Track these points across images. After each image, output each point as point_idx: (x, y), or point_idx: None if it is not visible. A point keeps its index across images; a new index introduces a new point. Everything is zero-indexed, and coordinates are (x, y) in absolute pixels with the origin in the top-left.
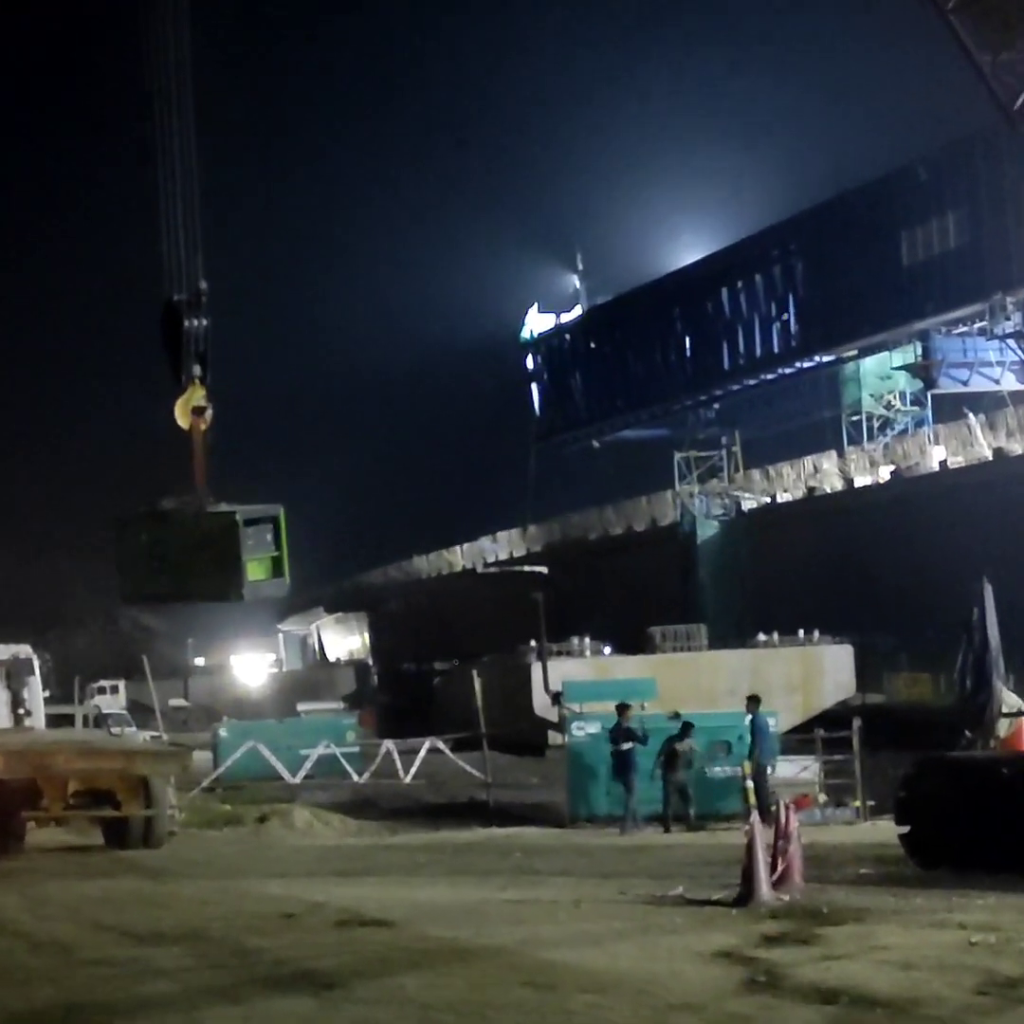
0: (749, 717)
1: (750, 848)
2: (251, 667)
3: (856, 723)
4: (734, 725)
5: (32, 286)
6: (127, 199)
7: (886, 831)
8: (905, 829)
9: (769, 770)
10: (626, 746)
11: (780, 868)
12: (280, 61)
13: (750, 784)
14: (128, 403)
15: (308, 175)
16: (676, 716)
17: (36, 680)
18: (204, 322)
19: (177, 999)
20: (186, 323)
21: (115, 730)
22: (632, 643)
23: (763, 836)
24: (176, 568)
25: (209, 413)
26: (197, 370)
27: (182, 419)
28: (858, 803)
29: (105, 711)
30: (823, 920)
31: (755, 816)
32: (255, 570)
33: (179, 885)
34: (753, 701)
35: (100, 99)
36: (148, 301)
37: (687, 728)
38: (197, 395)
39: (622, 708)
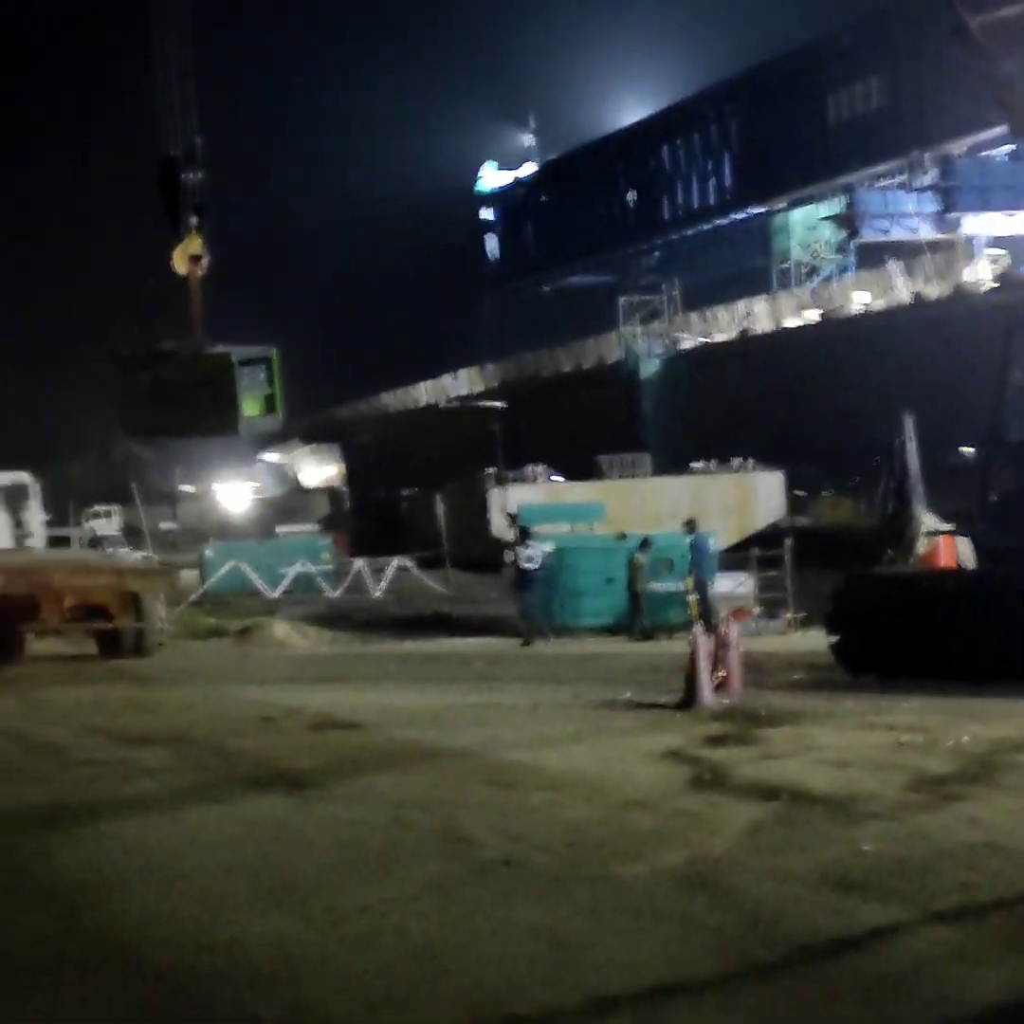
0: (689, 537)
1: (693, 656)
2: (234, 493)
3: (787, 542)
4: (676, 544)
5: (36, 140)
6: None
7: (816, 640)
8: (835, 639)
9: (710, 585)
10: (527, 566)
11: (720, 674)
12: None
13: (692, 598)
14: (129, 250)
15: (281, 38)
16: (622, 536)
17: (35, 504)
18: (200, 175)
19: (160, 798)
20: (183, 176)
21: (109, 550)
22: (582, 471)
23: (705, 645)
24: (175, 406)
25: (205, 260)
26: (194, 220)
27: (180, 265)
28: (790, 615)
29: (100, 533)
30: (761, 722)
31: (698, 627)
32: (250, 407)
33: (166, 691)
34: (690, 524)
35: None
36: (147, 155)
37: (646, 544)
38: (194, 243)
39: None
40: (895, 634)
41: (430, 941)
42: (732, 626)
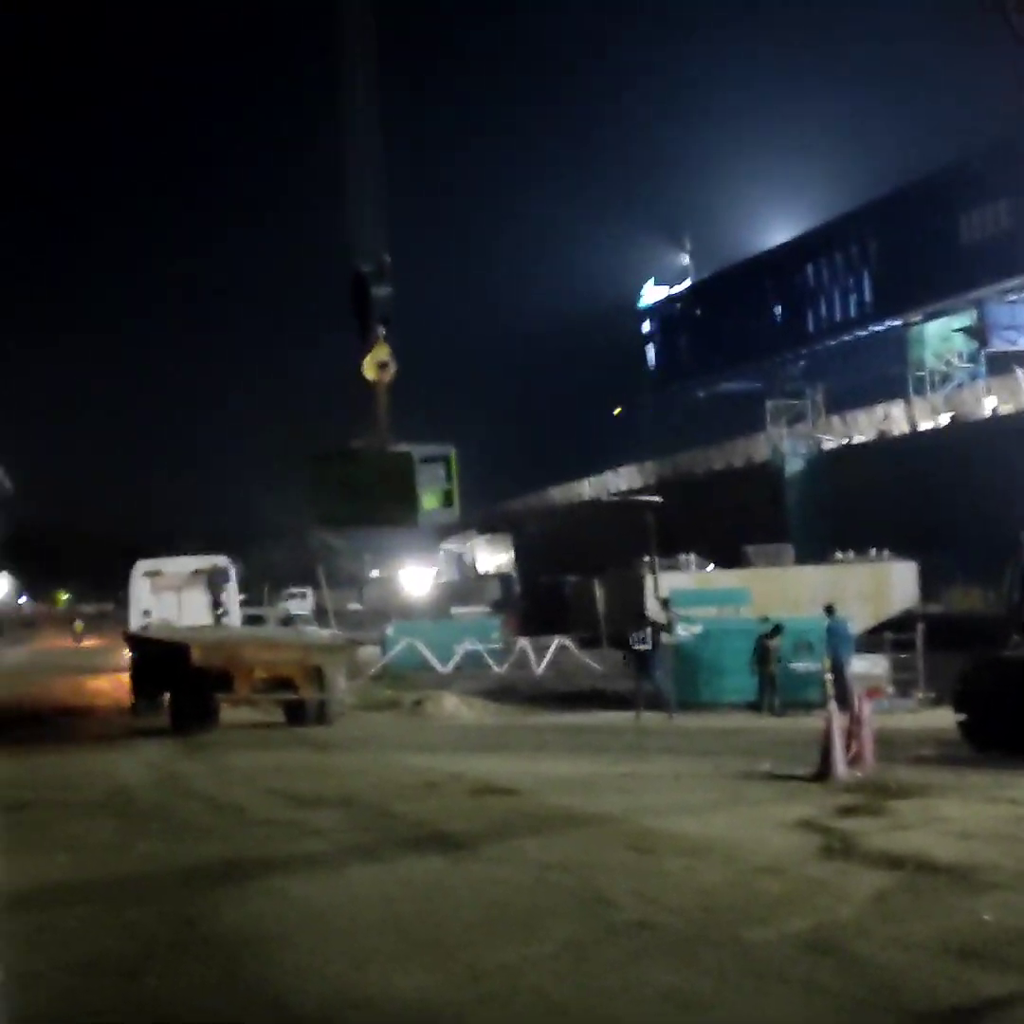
0: (827, 621)
1: (828, 731)
2: (416, 578)
3: (919, 626)
4: (814, 627)
5: (236, 257)
6: (320, 178)
7: (944, 718)
8: (963, 717)
9: (846, 665)
10: (641, 648)
11: (854, 749)
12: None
13: (829, 677)
14: (321, 357)
15: (467, 161)
16: (765, 620)
17: (233, 585)
18: (387, 289)
19: (327, 856)
20: (372, 291)
21: (298, 628)
22: (730, 560)
23: (840, 721)
24: (361, 498)
25: (392, 367)
26: (382, 331)
27: (369, 372)
28: (920, 694)
29: (293, 613)
30: (891, 794)
31: (833, 704)
32: (429, 501)
33: (342, 757)
34: (829, 608)
35: (293, 81)
36: (338, 270)
37: (777, 629)
38: (382, 352)
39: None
40: (1019, 713)
41: (564, 999)
42: (865, 703)
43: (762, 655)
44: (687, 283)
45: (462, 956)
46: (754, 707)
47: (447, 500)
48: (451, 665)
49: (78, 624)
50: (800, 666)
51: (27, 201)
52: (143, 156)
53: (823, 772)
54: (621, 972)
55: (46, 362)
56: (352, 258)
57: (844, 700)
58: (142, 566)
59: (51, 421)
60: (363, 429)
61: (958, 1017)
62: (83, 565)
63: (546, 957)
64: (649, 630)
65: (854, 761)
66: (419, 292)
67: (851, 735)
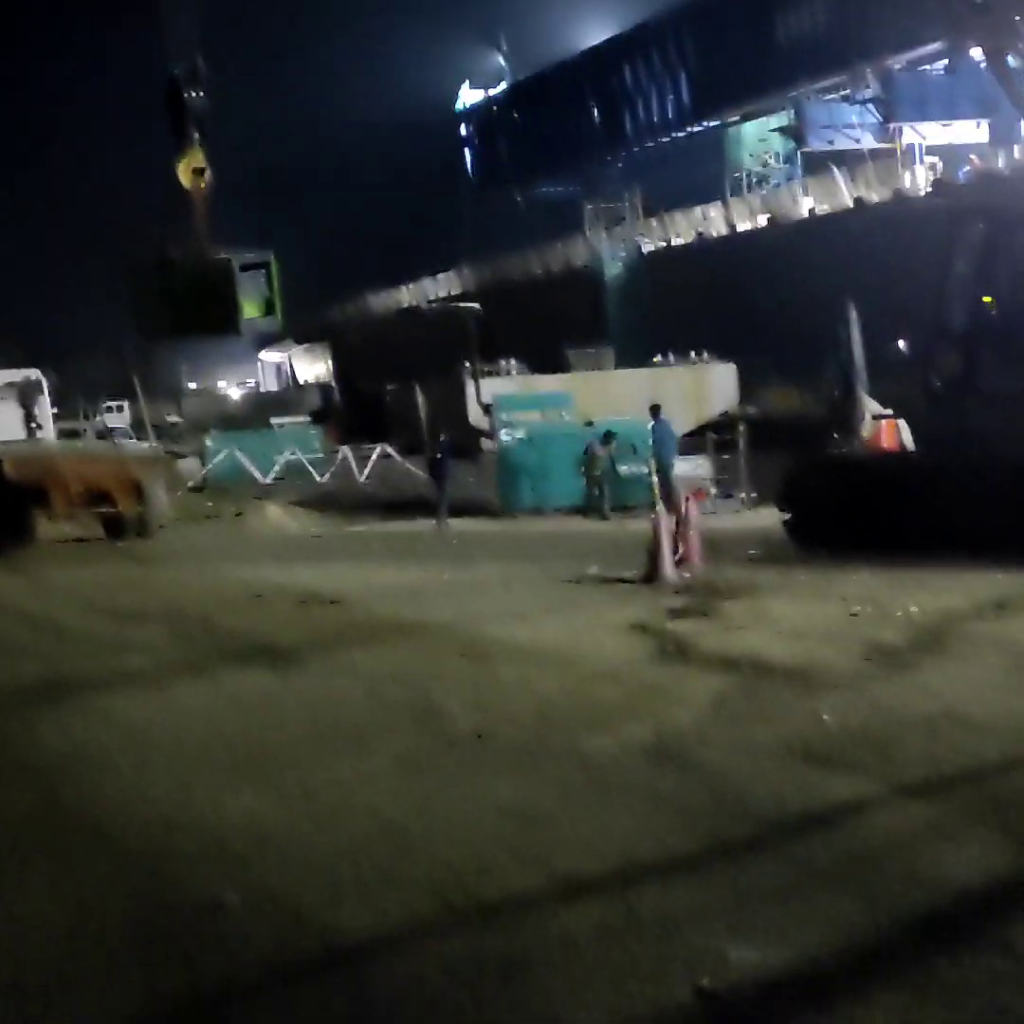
0: (652, 423)
1: (656, 533)
2: (234, 389)
3: (741, 427)
4: (638, 430)
5: (48, 59)
6: None
7: (768, 518)
8: (788, 516)
9: (671, 467)
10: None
11: (681, 551)
12: None
13: (655, 480)
14: (142, 162)
15: None
16: (590, 424)
17: (45, 398)
18: (201, 94)
19: (149, 673)
20: (186, 94)
21: (116, 442)
22: (550, 366)
23: (667, 524)
24: (182, 308)
25: (207, 173)
26: (196, 136)
27: (185, 177)
28: (743, 495)
29: (110, 426)
30: (720, 595)
31: (660, 506)
32: (250, 309)
33: (164, 571)
34: (655, 409)
35: None
36: (157, 72)
37: (609, 435)
38: (197, 157)
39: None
40: (843, 511)
41: (401, 817)
42: (692, 505)
43: (589, 460)
44: (503, 86)
45: (293, 774)
46: (581, 511)
47: (268, 308)
48: (272, 475)
49: None
50: (624, 469)
51: None
52: None
53: (651, 575)
54: (459, 787)
55: None
56: (166, 62)
57: (670, 501)
58: None
59: None
60: (181, 237)
61: (810, 823)
62: None
63: (380, 773)
64: (442, 439)
65: (681, 563)
66: (231, 99)
67: (678, 537)
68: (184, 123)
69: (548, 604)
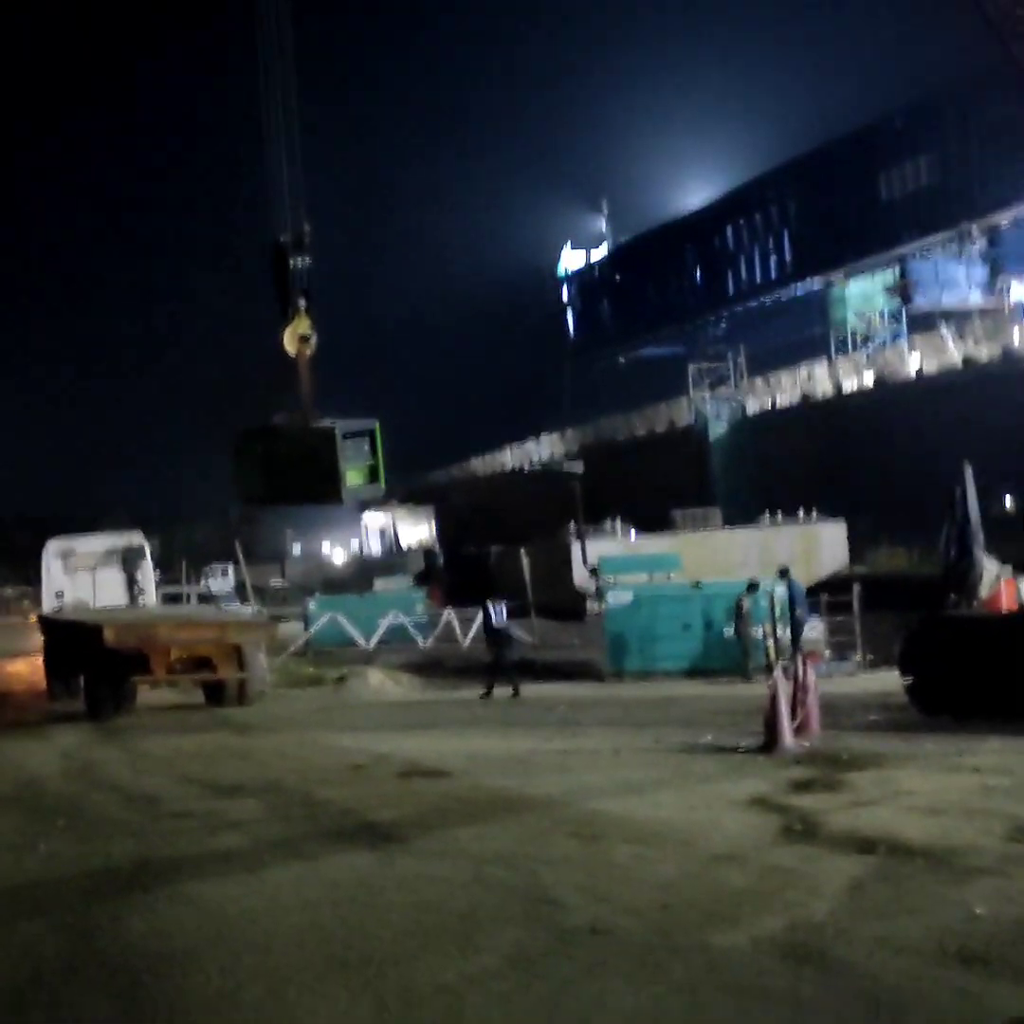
0: (786, 584)
1: (774, 699)
2: (338, 552)
3: (856, 588)
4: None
5: (158, 229)
6: (239, 150)
7: (886, 681)
8: (909, 679)
9: (802, 630)
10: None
11: (799, 717)
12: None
13: (771, 643)
14: (243, 331)
15: (376, 130)
16: (698, 585)
17: (148, 563)
18: (307, 260)
19: (245, 853)
20: (291, 261)
21: (219, 606)
22: (656, 526)
23: (786, 688)
24: (285, 475)
25: (313, 340)
26: (302, 302)
27: (290, 345)
28: (858, 657)
29: (214, 591)
30: (845, 766)
31: (778, 670)
32: (354, 476)
33: (263, 739)
34: (783, 572)
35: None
36: (260, 242)
37: (754, 587)
38: (303, 324)
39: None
40: (968, 674)
41: None
42: (810, 668)
43: (740, 615)
44: (605, 248)
45: (393, 975)
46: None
47: (372, 475)
48: (375, 640)
49: None
50: (733, 632)
51: None
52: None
53: (770, 743)
54: (577, 991)
55: None
56: (272, 229)
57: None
58: (53, 545)
59: None
60: (286, 405)
61: None
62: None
63: (489, 974)
64: (503, 605)
65: (800, 730)
66: (337, 263)
67: (796, 702)
68: (289, 290)
69: (661, 776)
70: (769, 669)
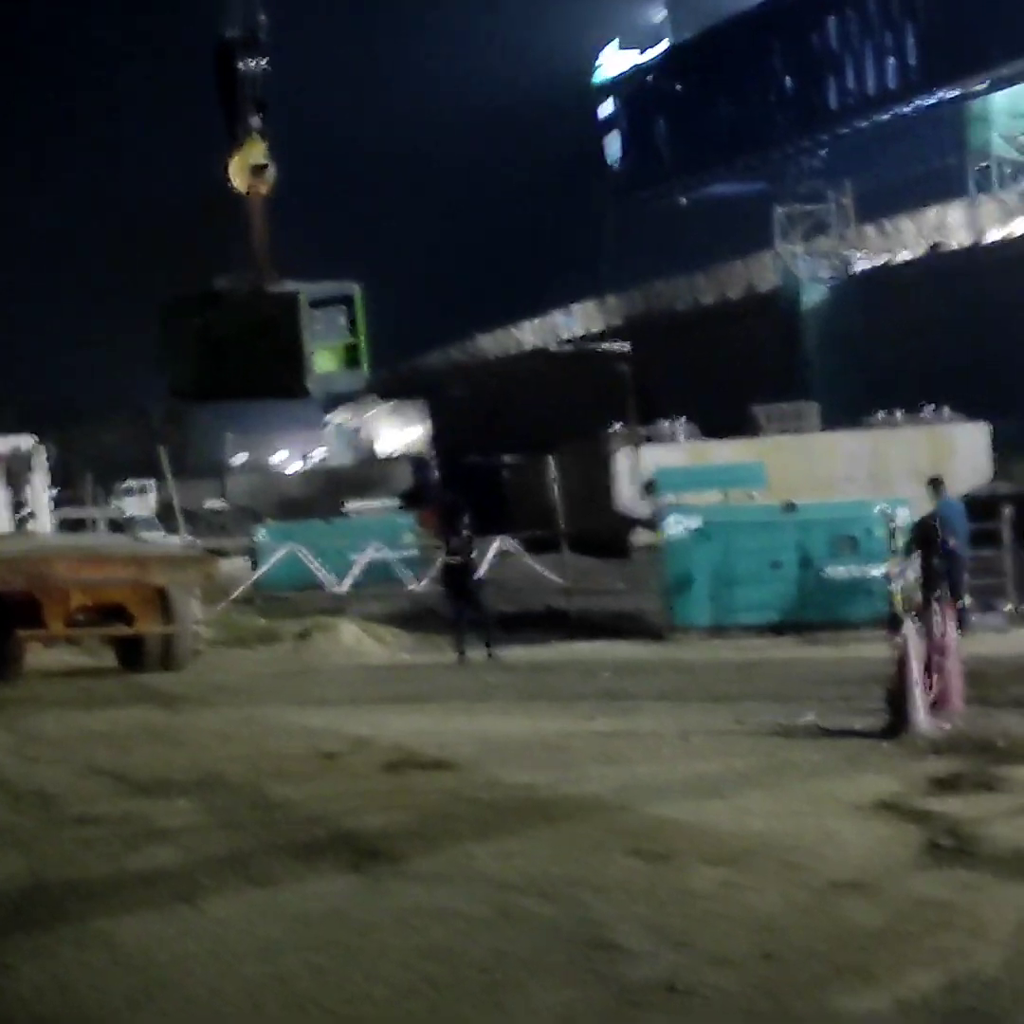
0: (936, 502)
1: (903, 665)
2: (296, 463)
3: (1005, 511)
4: (859, 516)
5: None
6: None
7: None
8: None
9: (963, 567)
10: (452, 560)
11: (935, 689)
12: None
13: (895, 586)
14: (176, 164)
15: None
16: (791, 507)
17: (40, 477)
18: (263, 63)
19: (179, 876)
20: (240, 65)
21: (137, 535)
22: (731, 427)
23: (919, 651)
24: (230, 358)
25: (270, 172)
26: (255, 121)
27: (239, 179)
28: (1009, 607)
29: (130, 514)
30: (1002, 756)
31: (909, 624)
32: (325, 360)
33: (198, 716)
34: (935, 483)
35: None
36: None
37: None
38: (256, 151)
39: None
40: None
41: None
42: (950, 621)
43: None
44: (663, 47)
45: None
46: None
47: (351, 358)
48: (348, 581)
49: None
50: (840, 571)
51: None
52: None
53: (897, 725)
54: None
55: None
56: (215, 24)
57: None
58: None
59: None
60: (233, 264)
61: None
62: None
63: None
64: (465, 529)
65: (936, 706)
66: (305, 73)
67: (931, 670)
68: (239, 104)
69: (749, 770)
70: (895, 623)
